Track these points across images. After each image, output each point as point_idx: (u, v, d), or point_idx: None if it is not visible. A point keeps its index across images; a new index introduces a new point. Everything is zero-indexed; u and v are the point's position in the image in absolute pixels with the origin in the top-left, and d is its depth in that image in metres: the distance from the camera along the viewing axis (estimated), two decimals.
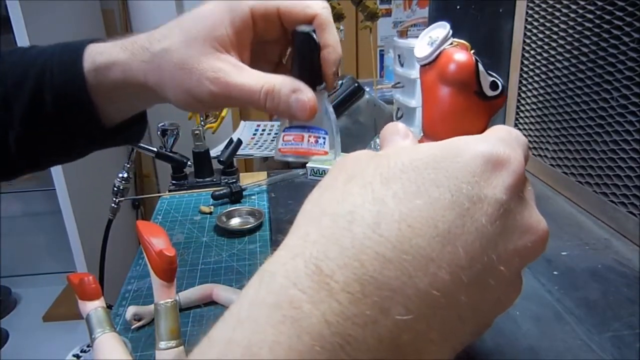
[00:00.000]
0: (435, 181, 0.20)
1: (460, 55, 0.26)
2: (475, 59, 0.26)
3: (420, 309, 0.19)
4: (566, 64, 0.62)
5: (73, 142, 0.42)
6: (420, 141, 0.28)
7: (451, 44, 0.27)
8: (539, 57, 0.69)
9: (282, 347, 0.17)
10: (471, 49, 0.27)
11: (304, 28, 0.37)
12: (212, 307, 0.54)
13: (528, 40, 0.71)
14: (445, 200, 0.20)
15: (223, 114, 1.00)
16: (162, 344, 0.40)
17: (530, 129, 0.73)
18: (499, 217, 0.21)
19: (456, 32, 0.30)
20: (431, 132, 0.28)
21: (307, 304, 0.18)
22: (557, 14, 0.63)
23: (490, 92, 0.26)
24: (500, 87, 0.26)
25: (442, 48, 0.27)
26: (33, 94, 0.39)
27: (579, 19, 0.58)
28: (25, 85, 0.39)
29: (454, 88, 0.26)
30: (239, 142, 0.97)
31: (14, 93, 0.39)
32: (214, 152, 1.02)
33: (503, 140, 0.23)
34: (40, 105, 0.39)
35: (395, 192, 0.20)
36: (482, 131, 0.25)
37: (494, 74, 0.27)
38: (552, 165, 0.68)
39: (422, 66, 0.28)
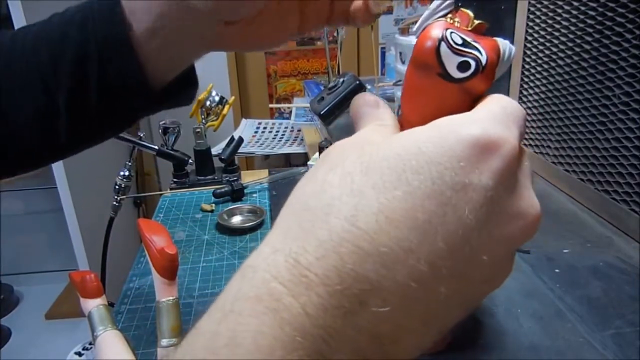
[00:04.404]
0: (417, 168, 0.19)
1: (429, 32, 0.23)
2: (440, 38, 0.23)
3: (399, 301, 0.19)
4: (568, 61, 0.62)
5: (120, 102, 0.38)
6: (398, 119, 0.27)
7: (444, 16, 0.24)
8: (540, 55, 0.68)
9: (266, 336, 0.17)
10: (472, 22, 0.24)
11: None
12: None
13: (530, 38, 0.71)
14: (426, 189, 0.19)
15: (224, 111, 1.00)
16: (164, 342, 0.40)
17: (532, 127, 0.73)
18: (484, 204, 0.20)
19: None
20: (404, 113, 0.26)
21: (288, 297, 0.18)
22: (559, 11, 0.63)
23: (457, 74, 0.23)
24: (472, 68, 0.23)
25: (427, 23, 0.24)
26: (78, 46, 0.36)
27: (581, 16, 0.58)
28: (68, 39, 0.37)
29: (417, 69, 0.24)
30: (240, 140, 0.97)
31: (60, 47, 0.37)
32: (215, 150, 1.02)
33: (496, 119, 0.21)
34: (85, 58, 0.36)
35: (374, 182, 0.20)
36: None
37: (470, 53, 0.23)
38: (553, 162, 0.68)
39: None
